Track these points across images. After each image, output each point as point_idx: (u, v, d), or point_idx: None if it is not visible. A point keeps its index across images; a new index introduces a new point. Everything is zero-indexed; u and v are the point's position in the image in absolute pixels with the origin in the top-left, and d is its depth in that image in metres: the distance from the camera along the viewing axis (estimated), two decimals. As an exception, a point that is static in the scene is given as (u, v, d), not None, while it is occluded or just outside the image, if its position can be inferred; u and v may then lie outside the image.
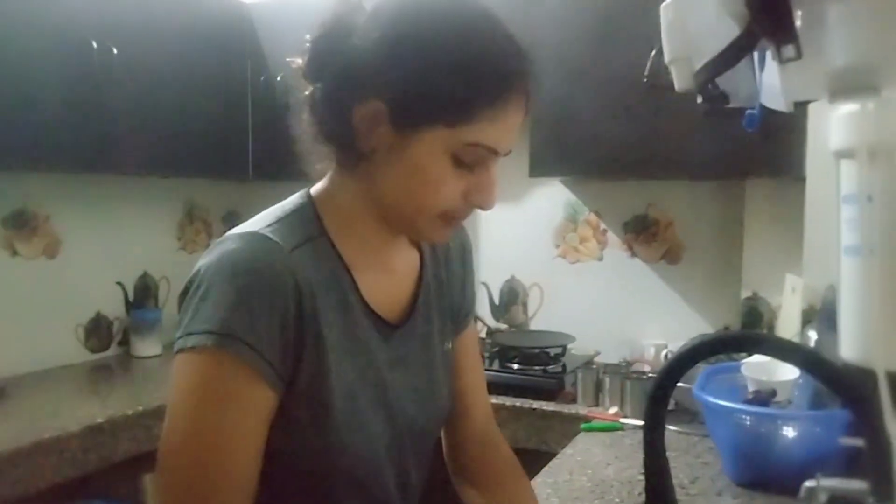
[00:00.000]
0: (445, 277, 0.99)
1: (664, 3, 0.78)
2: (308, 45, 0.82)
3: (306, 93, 0.84)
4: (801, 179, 1.91)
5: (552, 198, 2.56)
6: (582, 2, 2.14)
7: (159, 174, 2.56)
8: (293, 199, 0.87)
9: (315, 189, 0.88)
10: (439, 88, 0.74)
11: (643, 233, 2.45)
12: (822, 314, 1.62)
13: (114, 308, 2.56)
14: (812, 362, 0.65)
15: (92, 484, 1.96)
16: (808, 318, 1.87)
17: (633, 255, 2.46)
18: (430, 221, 0.81)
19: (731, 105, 0.70)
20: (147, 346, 2.53)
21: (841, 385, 0.64)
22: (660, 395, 0.69)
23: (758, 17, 0.54)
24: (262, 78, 2.62)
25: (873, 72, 0.60)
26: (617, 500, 1.41)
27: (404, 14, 0.78)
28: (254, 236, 0.77)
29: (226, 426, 0.73)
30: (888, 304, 0.82)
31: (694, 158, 2.05)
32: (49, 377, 2.23)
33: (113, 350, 2.55)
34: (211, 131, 2.51)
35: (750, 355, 1.92)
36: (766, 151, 1.95)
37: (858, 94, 0.63)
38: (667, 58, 0.77)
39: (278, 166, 2.69)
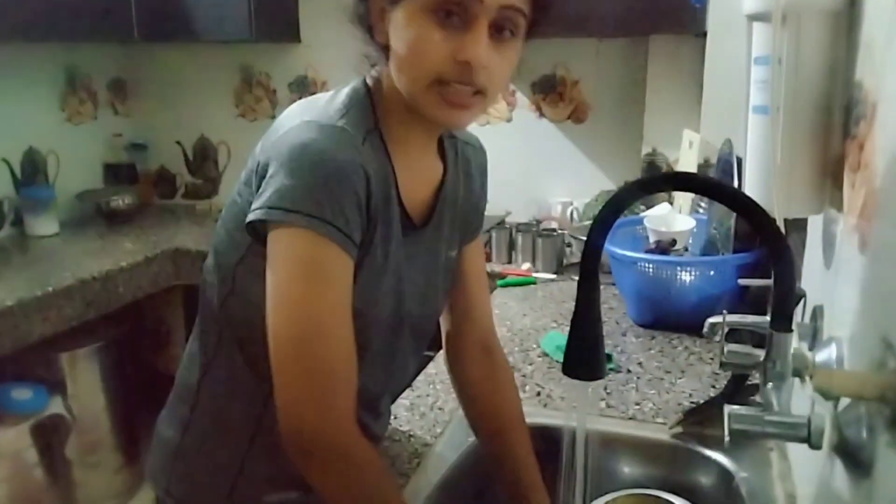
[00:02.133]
0: (463, 193, 1.01)
1: None
2: None
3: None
4: (702, 36, 1.96)
5: (460, 58, 2.52)
6: None
7: (35, 40, 2.33)
8: (354, 87, 0.89)
9: (370, 78, 0.90)
10: None
11: (551, 93, 2.48)
12: (719, 166, 1.74)
13: (1, 186, 2.40)
14: (741, 203, 0.71)
15: (8, 366, 1.93)
16: (703, 171, 1.99)
17: (542, 115, 2.50)
18: (428, 93, 0.81)
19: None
20: (43, 225, 2.41)
21: (761, 223, 0.70)
22: (595, 242, 0.72)
23: None
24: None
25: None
26: (534, 345, 1.53)
27: None
28: (333, 129, 0.82)
29: (331, 305, 0.79)
30: (790, 159, 0.90)
31: (600, 17, 2.06)
32: (-60, 262, 2.11)
33: (6, 231, 2.41)
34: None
35: (645, 202, 2.05)
36: (668, 9, 1.98)
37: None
38: None
39: (166, 26, 2.53)
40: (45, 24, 2.16)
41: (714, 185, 0.80)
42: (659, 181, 0.88)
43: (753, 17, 0.91)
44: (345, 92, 0.88)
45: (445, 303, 1.07)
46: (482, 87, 0.81)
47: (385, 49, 0.85)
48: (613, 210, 0.76)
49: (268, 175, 0.81)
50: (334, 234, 0.78)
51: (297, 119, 0.84)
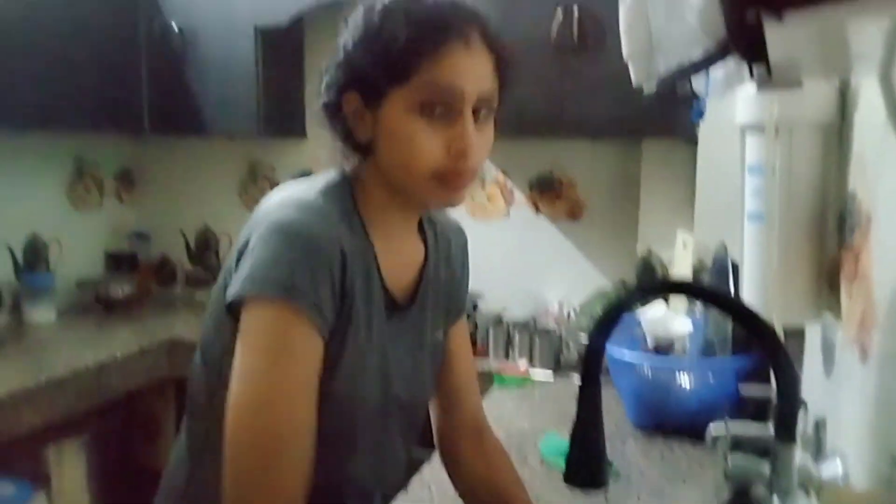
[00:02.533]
0: (445, 274, 1.04)
1: (623, 0, 0.81)
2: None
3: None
4: (693, 142, 2.03)
5: (460, 157, 2.58)
6: (491, -38, 2.14)
7: (46, 129, 2.39)
8: (332, 175, 0.93)
9: (348, 169, 0.94)
10: (379, 57, 0.84)
11: (548, 191, 2.53)
12: (714, 269, 1.76)
13: (2, 273, 2.40)
14: (740, 312, 0.72)
15: (-8, 460, 1.88)
16: (697, 272, 2.01)
17: (539, 212, 2.55)
18: (424, 184, 0.85)
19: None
20: (40, 313, 2.40)
21: (762, 334, 0.70)
22: (597, 345, 0.73)
23: (735, 40, 0.58)
24: (155, 22, 2.48)
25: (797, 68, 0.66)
26: (533, 450, 1.50)
27: (354, 16, 0.88)
28: (311, 207, 0.85)
29: (292, 381, 0.80)
30: (786, 266, 0.92)
31: (595, 119, 2.13)
32: (-67, 349, 2.09)
33: (3, 318, 2.39)
34: (101, 82, 2.36)
35: (644, 306, 2.06)
36: (661, 114, 2.05)
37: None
38: (625, 52, 0.81)
39: (176, 120, 2.61)
40: (57, 114, 2.22)
41: (713, 294, 0.81)
42: (661, 288, 0.89)
43: (746, 128, 0.95)
44: (323, 178, 0.92)
45: (434, 387, 1.07)
46: (474, 168, 0.86)
47: (365, 145, 0.89)
48: (614, 314, 0.77)
49: (246, 253, 0.83)
50: (304, 307, 0.79)
51: (276, 199, 0.88)
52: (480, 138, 0.85)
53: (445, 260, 1.05)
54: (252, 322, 0.81)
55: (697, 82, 0.78)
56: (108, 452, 2.20)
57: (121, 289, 2.61)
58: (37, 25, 2.11)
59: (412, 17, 0.83)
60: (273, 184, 2.84)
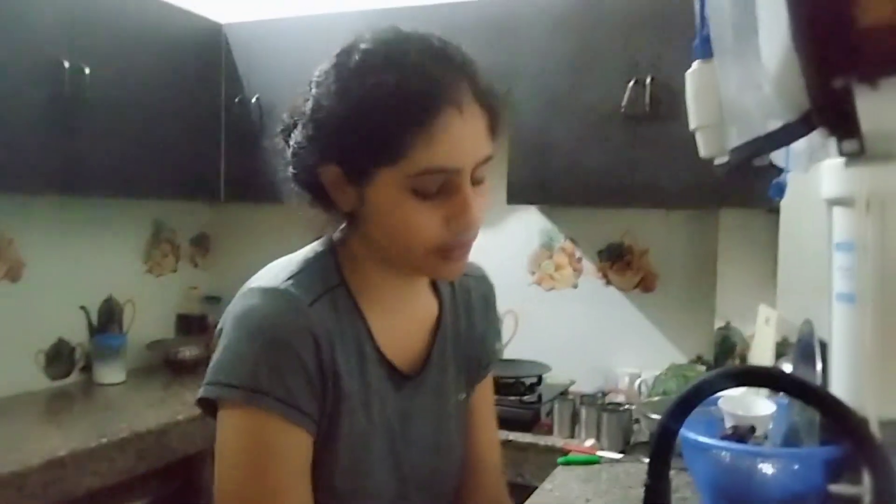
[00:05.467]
0: (465, 328, 0.97)
1: (690, 70, 0.77)
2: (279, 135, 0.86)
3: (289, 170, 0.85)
4: (775, 211, 1.93)
5: (528, 225, 2.55)
6: (561, 32, 2.15)
7: (129, 196, 2.49)
8: (316, 247, 0.87)
9: (336, 236, 0.88)
10: (364, 134, 0.75)
11: (618, 261, 2.46)
12: (798, 348, 1.63)
13: (76, 333, 2.47)
14: (834, 409, 0.64)
15: (51, 520, 1.88)
16: (781, 351, 1.88)
17: (608, 283, 2.47)
18: (424, 259, 0.80)
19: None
20: (110, 373, 2.45)
21: (854, 430, 0.63)
22: (667, 437, 0.67)
23: (821, 111, 0.52)
24: (237, 99, 2.59)
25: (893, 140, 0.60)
26: (598, 538, 1.39)
27: (322, 81, 0.80)
28: (275, 293, 0.79)
29: (275, 483, 0.75)
30: (880, 352, 0.82)
31: (669, 188, 2.07)
32: (7, 406, 2.14)
33: (74, 377, 2.46)
34: (183, 152, 2.47)
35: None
36: (739, 183, 1.97)
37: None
38: (693, 124, 0.77)
39: (251, 189, 2.67)
40: (139, 181, 2.32)
41: (805, 387, 0.73)
42: (747, 377, 0.81)
43: (833, 202, 0.87)
44: (304, 252, 0.87)
45: (461, 451, 0.98)
46: (475, 237, 0.81)
47: (348, 215, 0.83)
48: (693, 396, 0.70)
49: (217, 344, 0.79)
50: (274, 405, 0.74)
51: (246, 287, 0.82)
52: (479, 204, 0.79)
53: (465, 312, 0.97)
54: (222, 432, 0.77)
55: (776, 154, 0.72)
56: (166, 517, 2.18)
57: (189, 351, 2.64)
58: (125, 97, 2.22)
59: (398, 86, 0.73)
60: (341, 249, 2.86)
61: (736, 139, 0.66)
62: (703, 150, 0.80)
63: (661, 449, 0.71)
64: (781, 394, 1.73)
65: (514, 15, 2.15)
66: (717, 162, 0.74)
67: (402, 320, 0.89)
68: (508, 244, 2.56)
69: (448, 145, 0.74)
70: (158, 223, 2.82)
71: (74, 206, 2.43)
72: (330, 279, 0.83)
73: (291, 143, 0.82)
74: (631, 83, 2.05)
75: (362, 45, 0.77)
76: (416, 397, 0.89)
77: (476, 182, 0.79)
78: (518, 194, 2.21)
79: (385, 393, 0.85)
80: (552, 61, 2.15)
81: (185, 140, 2.47)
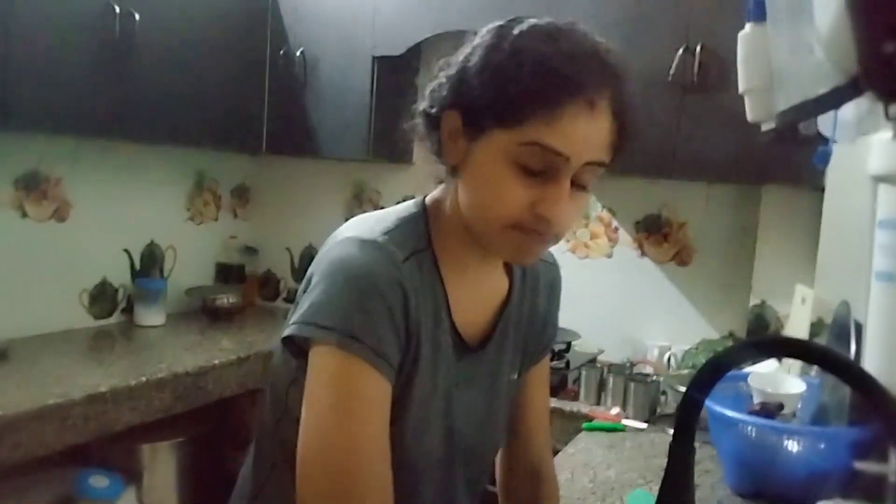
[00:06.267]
0: (528, 311, 0.98)
1: (742, 33, 0.76)
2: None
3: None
4: (819, 190, 1.89)
5: (566, 192, 2.53)
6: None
7: (174, 144, 2.54)
8: (409, 206, 0.89)
9: (430, 197, 0.90)
10: (492, 91, 0.76)
11: (655, 233, 2.44)
12: (833, 329, 1.61)
13: (119, 275, 2.55)
14: (862, 382, 0.64)
15: (91, 452, 1.97)
16: (816, 331, 1.86)
17: (643, 254, 2.45)
18: (500, 234, 0.80)
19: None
20: (151, 316, 2.52)
21: (885, 408, 0.62)
22: (695, 401, 0.67)
23: (870, 75, 0.51)
24: (282, 51, 2.60)
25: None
26: (618, 503, 1.41)
27: (482, 35, 0.81)
28: (373, 244, 0.81)
29: (360, 427, 0.76)
30: (916, 333, 0.82)
31: (712, 161, 2.03)
32: (51, 341, 2.23)
33: (116, 318, 2.54)
34: (227, 103, 2.50)
35: (754, 363, 1.92)
36: (785, 159, 1.93)
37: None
38: (742, 87, 0.75)
39: (292, 142, 2.70)
40: (184, 130, 2.36)
41: (835, 360, 0.72)
42: (776, 347, 0.80)
43: (880, 179, 0.86)
44: (398, 209, 0.88)
45: (505, 430, 1.01)
46: (556, 236, 0.80)
47: (453, 168, 0.84)
48: (720, 367, 0.70)
49: (308, 290, 0.81)
50: (365, 352, 0.76)
51: (341, 235, 0.84)
52: (572, 207, 0.78)
53: (531, 296, 0.99)
54: (316, 372, 0.78)
55: (824, 124, 0.71)
56: (199, 456, 2.26)
57: (226, 298, 2.70)
58: (172, 44, 2.25)
59: (543, 62, 0.74)
60: (377, 207, 2.88)
61: (784, 103, 0.65)
62: (751, 114, 0.79)
63: (687, 415, 0.71)
64: (812, 373, 1.72)
65: (564, -24, 2.11)
66: (763, 128, 0.73)
67: (475, 294, 0.90)
68: (545, 210, 2.55)
69: (566, 133, 0.74)
70: (201, 172, 2.87)
71: (121, 150, 2.48)
72: (419, 242, 0.85)
73: (435, 83, 0.84)
74: (680, 51, 2.01)
75: (533, 20, 0.79)
76: (473, 369, 0.90)
77: (579, 184, 0.78)
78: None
79: (449, 360, 0.87)
80: (600, 26, 2.08)
81: (229, 91, 2.50)
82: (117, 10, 2.03)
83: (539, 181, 0.76)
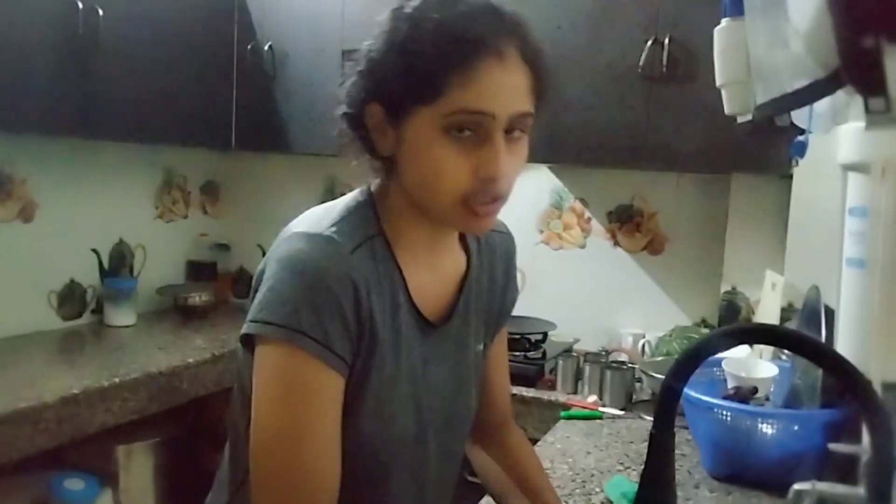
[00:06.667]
0: (487, 283, 1.00)
1: (718, 27, 0.77)
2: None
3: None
4: (787, 177, 1.93)
5: (538, 184, 2.55)
6: (579, -12, 2.12)
7: (141, 141, 2.49)
8: (355, 196, 0.89)
9: (374, 186, 0.90)
10: (406, 71, 0.78)
11: (627, 223, 2.46)
12: (804, 313, 1.65)
13: (88, 275, 2.50)
14: (835, 364, 0.66)
15: (65, 455, 1.94)
16: (786, 316, 1.90)
17: (616, 244, 2.48)
18: (450, 209, 0.81)
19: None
20: (121, 316, 2.48)
21: (857, 387, 0.64)
22: (674, 389, 0.68)
23: (850, 68, 0.52)
24: (249, 46, 2.56)
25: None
26: (597, 489, 1.43)
27: (383, 21, 0.82)
28: (319, 238, 0.81)
29: (308, 418, 0.78)
30: (887, 316, 0.84)
31: (682, 151, 2.06)
32: (20, 344, 2.18)
33: (86, 318, 2.49)
34: (194, 98, 2.46)
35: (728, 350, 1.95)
36: (752, 147, 1.96)
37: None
38: (719, 80, 0.76)
39: (262, 137, 2.68)
40: (151, 126, 2.31)
41: (807, 343, 0.74)
42: (750, 334, 0.82)
43: (849, 168, 0.88)
44: (344, 200, 0.89)
45: (476, 400, 1.03)
46: (504, 193, 0.81)
47: (387, 160, 0.85)
48: (697, 355, 0.72)
49: (259, 287, 0.82)
50: (312, 346, 0.77)
51: (290, 231, 0.85)
52: (511, 160, 0.79)
53: (489, 268, 1.01)
54: (262, 363, 0.80)
55: (798, 115, 0.72)
56: (174, 455, 2.24)
57: (199, 297, 2.67)
58: (138, 40, 2.20)
59: (442, 27, 0.76)
60: (351, 202, 2.87)
61: (762, 97, 0.66)
62: (729, 107, 0.80)
63: (667, 403, 0.73)
64: (784, 357, 1.75)
65: (533, -32, 2.12)
66: (739, 120, 0.74)
67: (433, 272, 0.91)
68: (517, 202, 2.50)
69: (484, 89, 0.76)
70: (169, 169, 2.83)
71: (87, 148, 2.43)
72: (369, 229, 0.85)
73: (348, 82, 0.84)
74: (649, 42, 2.03)
75: None
76: (440, 345, 0.92)
77: (511, 137, 0.79)
78: (529, 152, 2.19)
79: (412, 340, 0.88)
80: (569, 17, 2.12)
81: (197, 86, 2.46)
82: (80, 5, 1.98)
83: (473, 145, 0.78)
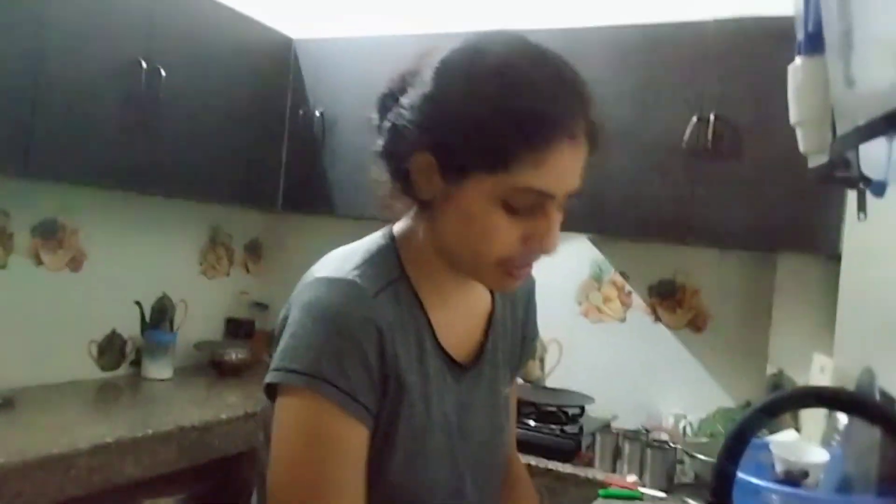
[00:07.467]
0: (510, 323, 0.99)
1: (792, 65, 0.77)
2: (376, 102, 0.86)
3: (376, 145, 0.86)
4: (836, 257, 1.88)
5: (579, 254, 2.54)
6: (626, 64, 2.16)
7: (192, 198, 2.57)
8: (377, 238, 0.88)
9: (397, 228, 0.89)
10: (476, 136, 0.75)
11: (668, 298, 2.42)
12: (856, 397, 1.58)
13: (129, 327, 2.53)
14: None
15: (92, 505, 1.91)
16: (836, 400, 1.82)
17: (657, 319, 2.43)
18: (489, 269, 0.80)
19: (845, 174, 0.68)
20: (159, 369, 2.50)
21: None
22: (726, 471, 0.65)
23: None
24: (301, 111, 2.65)
25: None
26: (637, 572, 1.36)
27: (451, 67, 0.78)
28: (341, 283, 0.80)
29: (329, 469, 0.75)
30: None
31: (726, 227, 2.04)
32: (58, 391, 2.20)
33: (124, 369, 2.51)
34: (245, 159, 2.54)
35: (772, 433, 1.87)
36: (799, 225, 1.93)
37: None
38: (793, 118, 0.76)
39: (308, 199, 2.73)
40: (201, 185, 2.39)
41: (862, 401, 0.71)
42: (802, 397, 0.79)
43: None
44: (366, 243, 0.87)
45: (507, 446, 1.00)
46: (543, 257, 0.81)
47: (424, 203, 0.83)
48: (745, 434, 0.69)
49: (282, 333, 0.81)
50: (335, 395, 0.74)
51: (311, 276, 0.84)
52: (558, 231, 0.80)
53: (511, 306, 0.99)
54: (282, 413, 0.78)
55: (867, 165, 0.71)
56: (200, 514, 2.20)
57: (235, 354, 2.68)
58: (196, 101, 2.30)
59: (528, 95, 0.73)
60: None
61: (839, 132, 0.65)
62: (804, 146, 0.79)
63: (721, 488, 0.70)
64: (834, 443, 1.67)
65: (579, 44, 2.16)
66: (811, 163, 0.73)
67: (459, 314, 0.90)
68: (557, 272, 2.54)
69: (554, 172, 0.75)
70: (216, 227, 2.89)
71: (138, 202, 2.51)
72: (392, 271, 0.84)
73: (390, 117, 0.82)
74: (694, 119, 2.04)
75: (498, 48, 0.78)
76: (474, 390, 0.90)
77: (559, 209, 0.80)
78: (570, 221, 2.17)
79: (444, 386, 0.85)
80: (615, 92, 2.15)
81: (248, 148, 2.54)
82: (144, 65, 2.08)
83: (526, 217, 0.77)
